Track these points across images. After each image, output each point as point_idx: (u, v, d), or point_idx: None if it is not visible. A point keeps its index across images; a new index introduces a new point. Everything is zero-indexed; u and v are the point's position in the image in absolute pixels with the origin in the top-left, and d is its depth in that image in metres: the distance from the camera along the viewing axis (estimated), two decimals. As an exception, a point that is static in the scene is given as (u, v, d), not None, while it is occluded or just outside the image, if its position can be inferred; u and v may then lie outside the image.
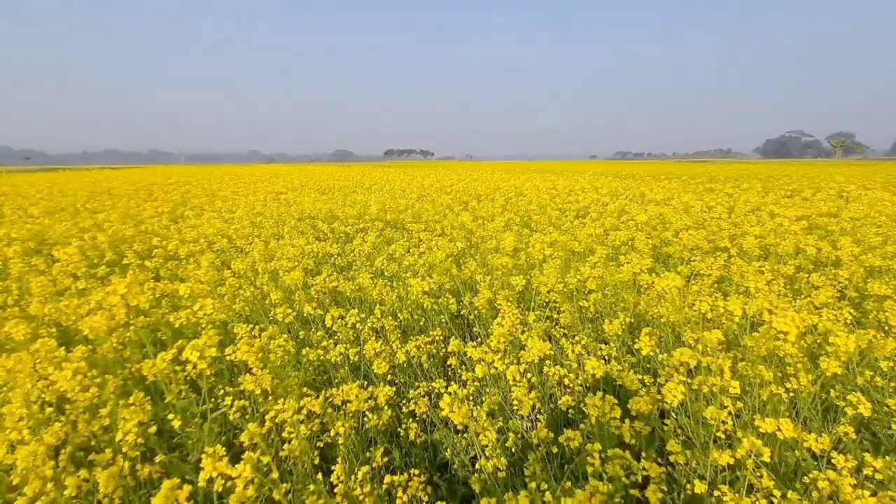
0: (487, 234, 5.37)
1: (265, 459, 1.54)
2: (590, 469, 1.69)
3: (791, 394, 1.95)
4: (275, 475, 1.56)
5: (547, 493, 1.60)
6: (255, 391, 2.00)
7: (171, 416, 1.98)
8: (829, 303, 2.78)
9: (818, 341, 2.29)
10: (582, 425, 1.88)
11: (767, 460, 1.46)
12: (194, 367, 1.98)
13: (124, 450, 1.76)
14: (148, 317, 3.04)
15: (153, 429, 1.86)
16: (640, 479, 1.68)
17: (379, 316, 3.03)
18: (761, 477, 1.49)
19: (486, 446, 1.91)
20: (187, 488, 1.37)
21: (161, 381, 2.20)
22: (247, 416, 2.21)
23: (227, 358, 2.28)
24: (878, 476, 1.45)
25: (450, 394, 2.02)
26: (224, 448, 1.51)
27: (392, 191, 12.50)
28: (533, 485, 1.65)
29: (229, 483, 1.48)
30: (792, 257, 4.09)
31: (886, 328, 2.54)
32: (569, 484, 1.60)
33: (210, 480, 1.45)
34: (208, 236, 5.77)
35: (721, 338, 1.99)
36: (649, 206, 7.80)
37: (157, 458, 1.92)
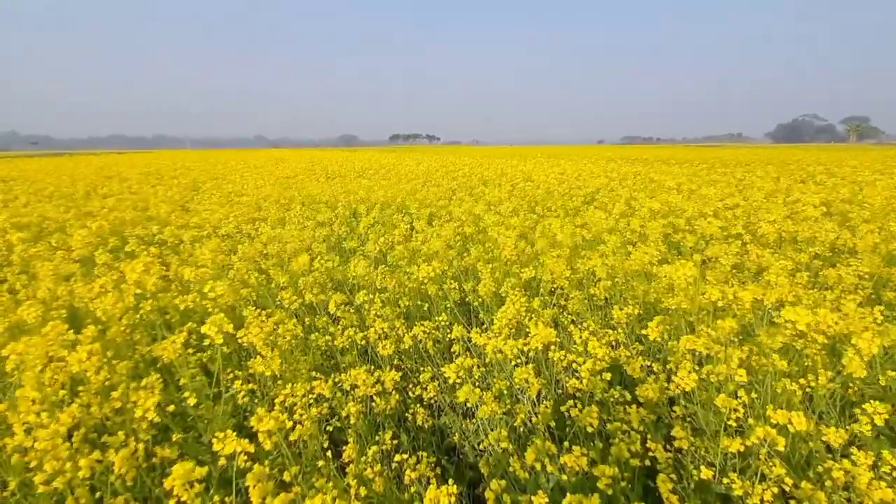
0: (494, 220, 5.31)
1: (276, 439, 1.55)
2: (589, 429, 1.79)
3: (809, 389, 1.91)
4: (284, 449, 1.58)
5: (552, 446, 1.68)
6: (264, 372, 2.01)
7: (186, 395, 1.99)
8: (851, 294, 2.71)
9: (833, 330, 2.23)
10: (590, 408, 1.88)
11: (782, 450, 1.43)
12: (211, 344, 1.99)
13: (139, 435, 1.78)
14: (157, 300, 3.07)
15: (151, 414, 1.86)
16: (639, 447, 1.71)
17: (380, 305, 3.02)
18: (774, 466, 1.47)
19: (489, 421, 1.92)
20: (200, 470, 1.38)
21: (174, 364, 2.21)
22: (256, 401, 2.23)
23: (239, 340, 2.29)
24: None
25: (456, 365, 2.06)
26: (234, 432, 1.51)
27: (398, 175, 12.45)
28: (539, 441, 1.71)
29: (248, 463, 1.49)
30: (809, 244, 4.00)
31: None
32: (567, 444, 1.72)
33: (232, 456, 1.46)
34: (213, 222, 5.79)
35: (735, 326, 1.95)
36: (659, 192, 7.67)
37: (175, 437, 1.94)
